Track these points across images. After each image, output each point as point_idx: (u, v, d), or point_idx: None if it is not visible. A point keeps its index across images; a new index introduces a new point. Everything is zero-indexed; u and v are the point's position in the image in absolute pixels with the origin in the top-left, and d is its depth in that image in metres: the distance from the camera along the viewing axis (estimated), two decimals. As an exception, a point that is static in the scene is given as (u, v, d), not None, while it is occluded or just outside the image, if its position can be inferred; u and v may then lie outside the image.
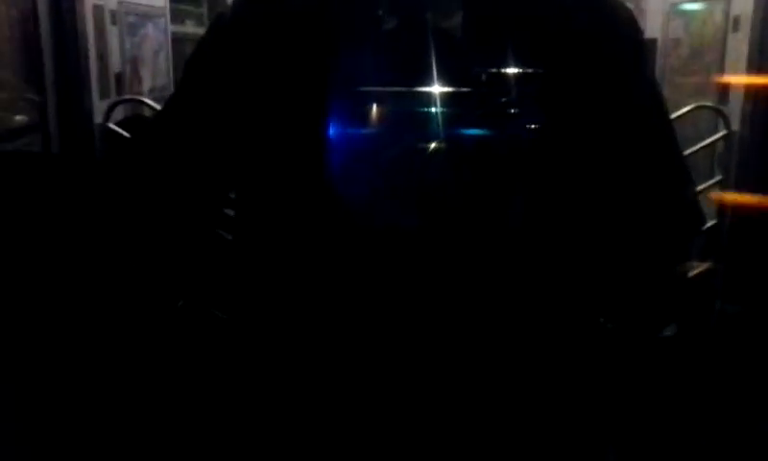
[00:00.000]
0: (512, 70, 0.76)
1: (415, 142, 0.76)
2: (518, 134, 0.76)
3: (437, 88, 0.76)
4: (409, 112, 0.78)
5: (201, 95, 0.86)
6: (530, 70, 0.77)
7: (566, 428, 0.85)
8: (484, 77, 0.76)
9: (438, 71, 0.76)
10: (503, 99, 0.76)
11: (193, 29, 4.74)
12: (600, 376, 0.88)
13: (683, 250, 0.87)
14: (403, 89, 0.78)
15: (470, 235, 0.77)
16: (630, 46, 0.82)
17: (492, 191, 0.77)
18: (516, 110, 0.76)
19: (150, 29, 3.52)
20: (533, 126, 0.76)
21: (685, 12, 3.57)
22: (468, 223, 0.77)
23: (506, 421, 0.81)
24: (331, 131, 0.78)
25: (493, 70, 0.76)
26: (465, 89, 0.77)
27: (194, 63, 0.89)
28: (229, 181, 0.90)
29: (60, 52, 2.69)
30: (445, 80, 0.77)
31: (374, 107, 0.78)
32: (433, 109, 0.76)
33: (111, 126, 2.90)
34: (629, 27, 0.83)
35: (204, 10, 4.97)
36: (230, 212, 0.91)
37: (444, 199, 0.76)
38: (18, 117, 2.55)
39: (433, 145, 0.76)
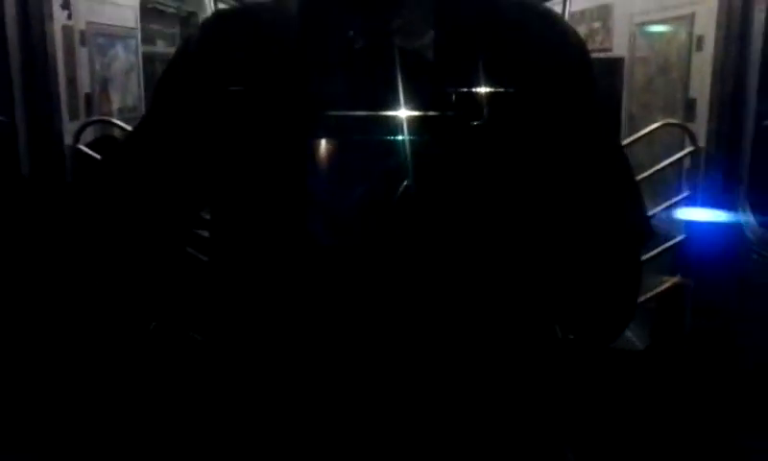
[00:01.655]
0: (482, 90, 0.78)
1: (383, 178, 0.77)
2: (487, 157, 0.78)
3: (405, 113, 0.77)
4: (378, 141, 0.78)
5: (169, 119, 0.86)
6: (500, 90, 0.78)
7: (519, 436, 0.86)
8: (454, 98, 0.77)
9: (408, 93, 0.77)
10: (474, 122, 0.77)
11: (164, 49, 4.72)
12: (555, 384, 0.89)
13: (632, 259, 0.88)
14: (372, 114, 0.78)
15: (426, 249, 0.78)
16: (580, 68, 0.85)
17: (452, 211, 0.78)
18: (487, 132, 0.77)
19: (120, 49, 3.51)
20: (501, 147, 0.78)
21: (651, 32, 3.64)
22: (424, 238, 0.78)
23: (461, 428, 0.82)
24: (301, 155, 0.78)
25: (464, 90, 0.78)
26: (434, 113, 0.78)
27: (163, 87, 0.89)
28: (200, 203, 0.90)
29: (28, 73, 2.66)
30: (416, 101, 0.78)
31: (344, 131, 0.79)
32: (401, 137, 0.77)
33: (82, 147, 2.88)
34: (579, 50, 0.86)
35: (177, 30, 4.97)
36: (205, 234, 0.90)
37: (409, 230, 0.78)
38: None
39: (402, 184, 0.77)
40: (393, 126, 0.77)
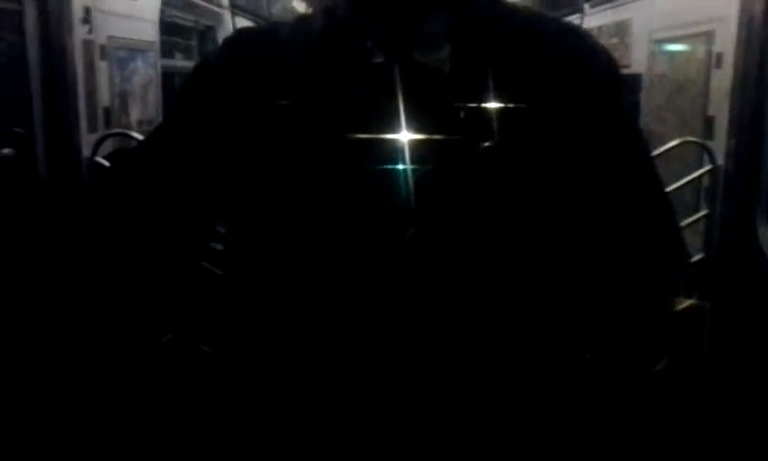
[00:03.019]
0: (502, 107, 0.77)
1: (398, 199, 0.76)
2: (508, 175, 0.77)
3: (419, 136, 0.76)
4: (391, 163, 0.77)
5: (186, 130, 0.86)
6: (520, 106, 0.77)
7: (537, 446, 0.84)
8: (463, 114, 0.77)
9: (425, 110, 0.77)
10: (488, 143, 0.76)
11: (182, 62, 4.77)
12: (584, 408, 0.88)
13: (668, 284, 0.87)
14: (383, 138, 0.77)
15: (444, 270, 0.77)
16: (609, 82, 0.83)
17: (471, 232, 0.77)
18: (508, 151, 0.76)
19: (139, 63, 3.54)
20: (523, 165, 0.77)
21: (670, 49, 3.63)
22: (442, 259, 0.77)
23: (470, 443, 0.81)
24: (319, 172, 0.78)
25: (481, 110, 0.77)
26: (448, 137, 0.77)
27: (182, 98, 0.89)
28: (214, 215, 0.90)
29: (48, 86, 2.69)
30: (433, 119, 0.77)
31: (357, 152, 0.78)
32: (413, 160, 0.76)
33: (99, 159, 2.90)
34: (608, 63, 0.85)
35: (194, 42, 5.01)
36: (219, 247, 0.90)
37: (426, 251, 0.77)
38: (5, 150, 2.54)
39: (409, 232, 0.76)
40: (405, 149, 0.77)
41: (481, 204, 0.77)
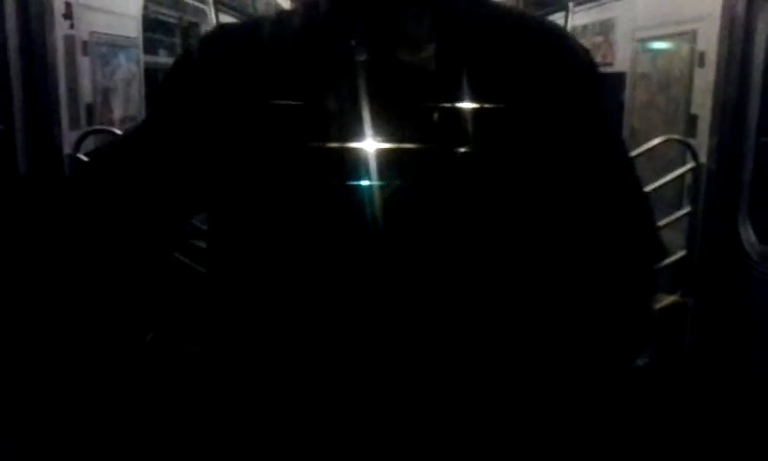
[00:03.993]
0: (482, 105, 0.77)
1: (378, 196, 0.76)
2: (487, 176, 0.77)
3: (395, 144, 0.76)
4: (369, 165, 0.77)
5: (166, 126, 0.85)
6: (501, 103, 0.77)
7: (518, 446, 0.85)
8: (444, 113, 0.77)
9: (405, 107, 0.76)
10: (469, 143, 0.76)
11: (166, 59, 4.73)
12: (565, 405, 0.88)
13: (645, 279, 0.87)
14: (366, 136, 0.77)
15: (426, 269, 0.77)
16: (588, 82, 0.84)
17: (451, 233, 0.77)
18: (487, 152, 0.76)
19: (122, 59, 3.51)
20: (503, 165, 0.77)
21: (653, 48, 3.65)
22: (422, 259, 0.77)
23: (457, 441, 0.81)
24: (301, 169, 0.77)
25: (462, 105, 0.77)
26: (429, 136, 0.77)
27: (162, 94, 0.88)
28: (191, 210, 0.89)
29: (29, 82, 2.66)
30: (411, 116, 0.77)
31: (339, 150, 0.78)
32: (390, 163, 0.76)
33: (81, 156, 2.87)
34: (588, 64, 0.85)
35: (178, 39, 4.98)
36: (202, 244, 0.90)
37: (406, 251, 0.77)
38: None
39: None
40: (384, 148, 0.76)
41: (463, 203, 0.77)
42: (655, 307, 0.88)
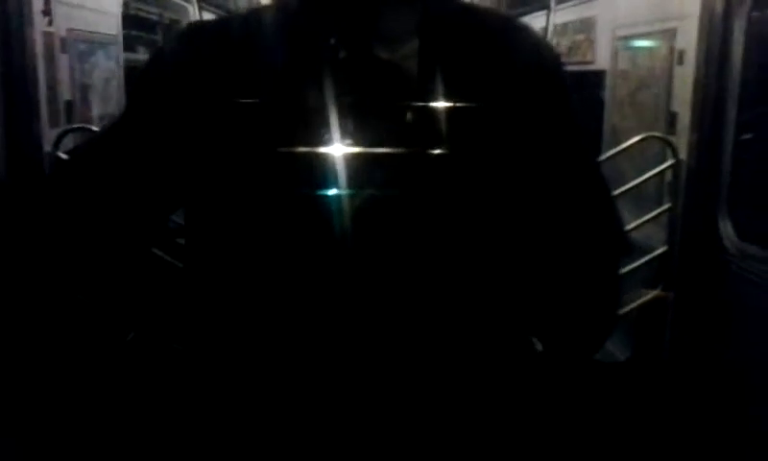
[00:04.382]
0: (458, 104, 0.77)
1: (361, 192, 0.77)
2: (460, 173, 0.77)
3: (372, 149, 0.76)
4: (344, 162, 0.77)
5: (142, 124, 0.84)
6: (478, 105, 0.78)
7: (492, 442, 0.85)
8: (420, 112, 0.77)
9: (381, 104, 0.77)
10: (444, 142, 0.76)
11: (146, 56, 4.68)
12: (531, 396, 0.88)
13: (610, 270, 0.88)
14: (341, 134, 0.77)
15: (401, 262, 0.77)
16: (555, 82, 0.84)
17: (425, 229, 0.77)
18: (461, 149, 0.76)
19: (101, 57, 3.47)
20: (476, 163, 0.77)
21: (633, 46, 3.67)
22: (397, 252, 0.77)
23: (435, 433, 0.81)
24: (277, 164, 0.77)
25: (438, 104, 0.77)
26: (404, 134, 0.77)
27: (137, 92, 0.88)
28: (168, 207, 0.89)
29: (7, 79, 2.63)
30: (390, 117, 0.77)
31: (314, 147, 0.78)
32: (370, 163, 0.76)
33: (61, 154, 2.85)
34: (553, 64, 0.86)
35: (159, 37, 4.94)
36: (182, 241, 0.89)
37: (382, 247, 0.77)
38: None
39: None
40: (359, 146, 0.77)
41: (441, 201, 0.77)
42: (625, 300, 0.90)
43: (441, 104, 0.77)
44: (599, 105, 3.95)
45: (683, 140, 2.99)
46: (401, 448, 0.80)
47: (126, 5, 3.89)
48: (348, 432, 0.79)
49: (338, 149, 0.76)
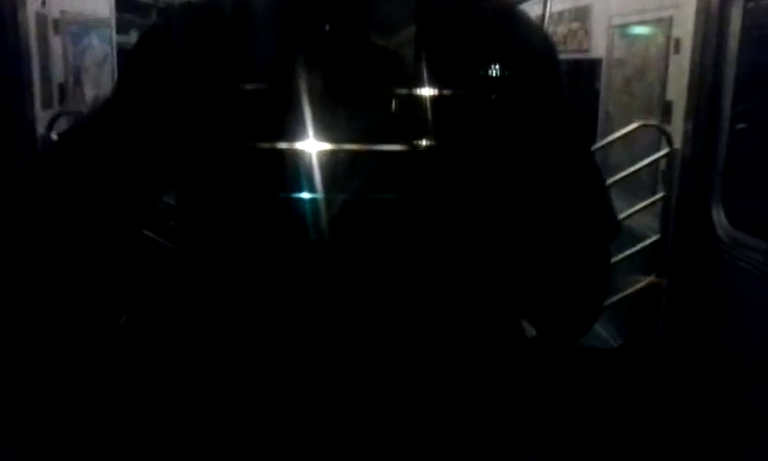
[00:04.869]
0: (454, 91, 0.77)
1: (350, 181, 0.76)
2: (455, 161, 0.77)
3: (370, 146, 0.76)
4: (335, 148, 0.77)
5: (133, 105, 0.83)
6: (473, 93, 0.77)
7: (484, 431, 0.85)
8: (405, 103, 0.76)
9: (375, 90, 0.76)
10: (437, 129, 0.76)
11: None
12: (522, 382, 0.89)
13: (599, 258, 0.88)
14: (334, 121, 0.76)
15: (392, 250, 0.77)
16: (548, 68, 0.84)
17: (418, 215, 0.77)
18: (455, 133, 0.76)
19: (94, 39, 3.45)
20: (470, 151, 0.77)
21: (629, 34, 3.66)
22: (389, 241, 0.77)
23: (424, 424, 0.81)
24: (268, 149, 0.77)
25: (432, 93, 0.76)
26: (396, 120, 0.77)
27: (125, 73, 0.87)
28: (159, 188, 0.88)
29: (0, 60, 2.61)
30: (386, 103, 0.77)
31: (304, 132, 0.77)
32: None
33: (54, 137, 2.83)
34: (547, 50, 0.86)
35: (153, 20, 4.91)
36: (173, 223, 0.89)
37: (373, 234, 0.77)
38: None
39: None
40: (352, 132, 0.76)
41: (433, 189, 0.76)
42: (619, 287, 0.90)
43: (436, 90, 0.77)
44: (594, 93, 3.94)
45: (678, 129, 2.99)
46: (393, 434, 0.80)
47: (120, -13, 3.87)
48: (337, 418, 0.79)
49: (330, 137, 0.76)
